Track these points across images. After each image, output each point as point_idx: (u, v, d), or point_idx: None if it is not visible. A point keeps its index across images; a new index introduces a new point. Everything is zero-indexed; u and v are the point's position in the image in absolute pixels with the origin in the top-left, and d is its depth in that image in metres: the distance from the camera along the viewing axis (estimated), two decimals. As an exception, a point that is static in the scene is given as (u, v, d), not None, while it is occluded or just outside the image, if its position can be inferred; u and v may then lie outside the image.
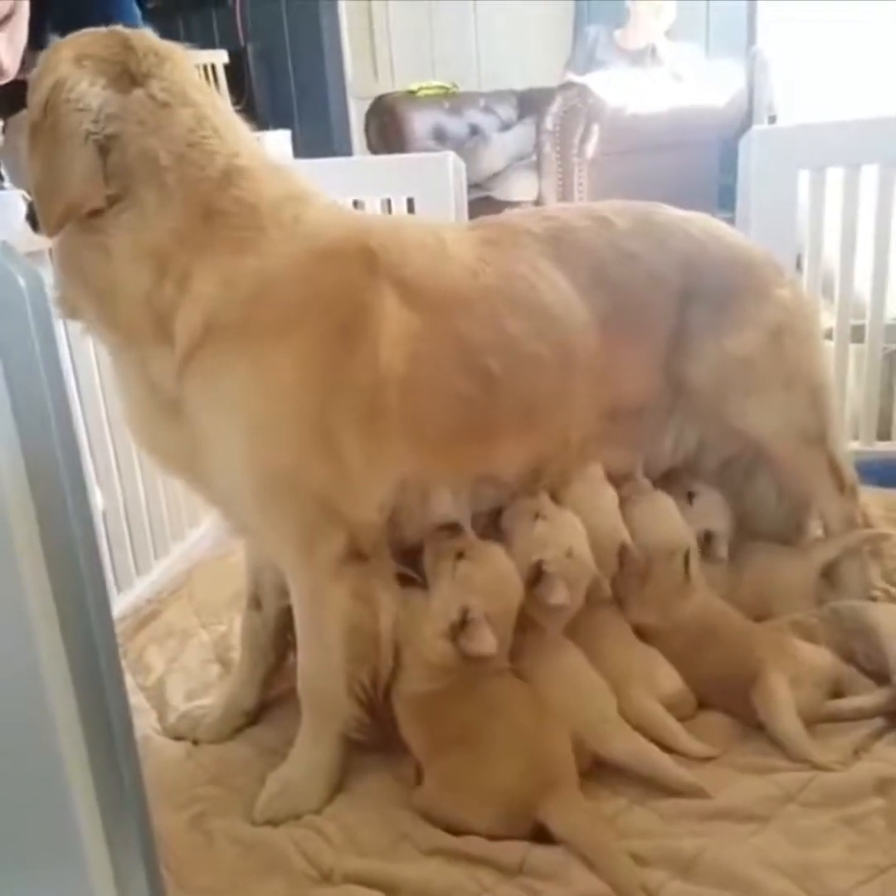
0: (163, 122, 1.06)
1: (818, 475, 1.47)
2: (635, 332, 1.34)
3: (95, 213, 1.05)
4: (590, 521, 1.30)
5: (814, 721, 1.22)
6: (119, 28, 1.10)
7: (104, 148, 1.03)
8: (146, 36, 1.10)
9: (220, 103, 1.13)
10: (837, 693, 1.27)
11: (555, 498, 1.32)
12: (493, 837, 1.09)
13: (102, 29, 1.10)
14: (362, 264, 1.16)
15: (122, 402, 1.22)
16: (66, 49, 1.05)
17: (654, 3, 4.12)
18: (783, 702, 1.19)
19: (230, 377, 1.09)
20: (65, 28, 1.10)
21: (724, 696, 1.26)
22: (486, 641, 1.15)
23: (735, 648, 1.27)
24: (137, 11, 1.86)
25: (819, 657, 1.26)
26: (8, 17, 1.47)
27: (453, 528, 1.25)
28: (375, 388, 1.14)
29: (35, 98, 1.04)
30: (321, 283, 1.12)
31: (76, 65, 1.03)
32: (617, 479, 1.38)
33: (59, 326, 1.52)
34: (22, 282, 0.67)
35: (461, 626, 1.16)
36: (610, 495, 1.35)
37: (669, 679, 1.26)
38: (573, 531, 1.28)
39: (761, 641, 1.28)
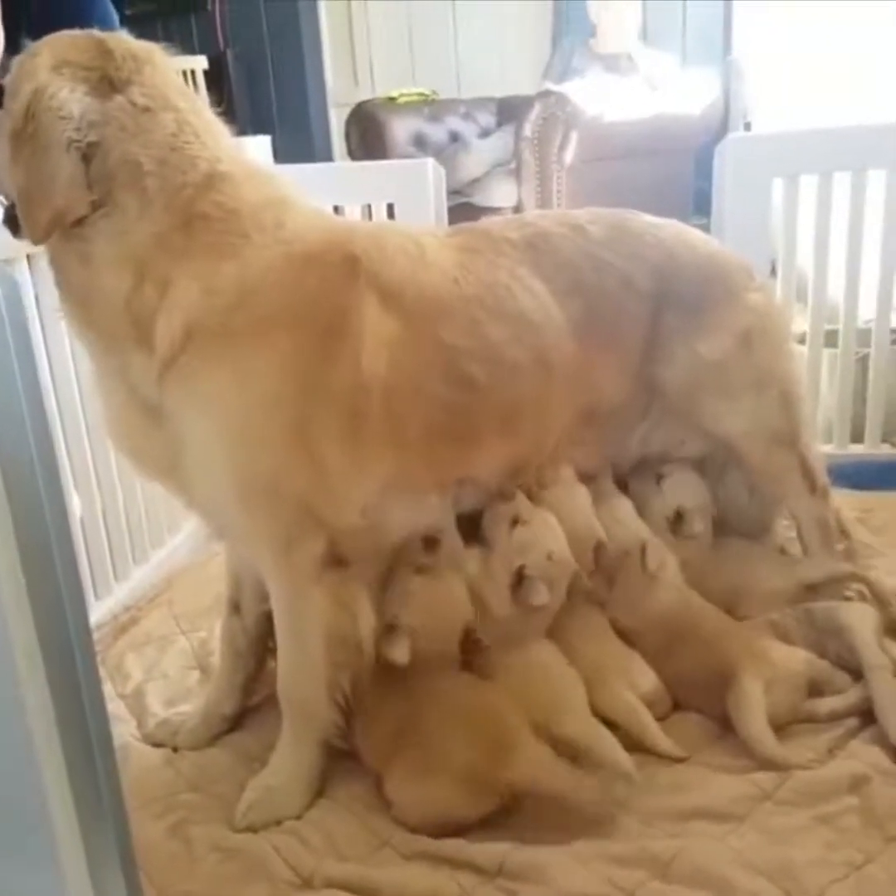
0: (144, 127, 1.06)
1: (790, 477, 1.50)
2: (609, 338, 1.37)
3: (78, 220, 1.05)
4: (567, 522, 1.32)
5: (790, 722, 1.23)
6: (95, 32, 1.10)
7: (86, 155, 1.03)
8: (123, 39, 1.10)
9: (201, 107, 1.14)
10: (815, 690, 1.27)
11: (531, 498, 1.34)
12: (469, 825, 1.11)
13: (78, 32, 1.09)
14: (344, 270, 1.16)
15: (103, 407, 1.22)
16: (44, 55, 1.04)
17: (616, 10, 4.14)
18: (755, 706, 1.20)
19: (211, 382, 1.10)
20: (40, 33, 1.10)
21: (699, 696, 1.28)
22: (400, 651, 1.19)
23: (711, 649, 1.28)
24: (115, 15, 1.86)
25: (794, 659, 1.27)
26: None
27: (430, 543, 1.27)
28: (356, 393, 1.15)
29: (15, 105, 1.03)
30: (303, 289, 1.13)
31: (55, 72, 1.03)
32: (582, 481, 1.41)
33: (36, 331, 1.51)
34: (-2, 288, 0.67)
35: (388, 632, 1.20)
36: (583, 495, 1.38)
37: (646, 677, 1.28)
38: (552, 533, 1.30)
39: (738, 643, 1.29)
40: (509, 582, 1.27)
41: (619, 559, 1.36)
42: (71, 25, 1.11)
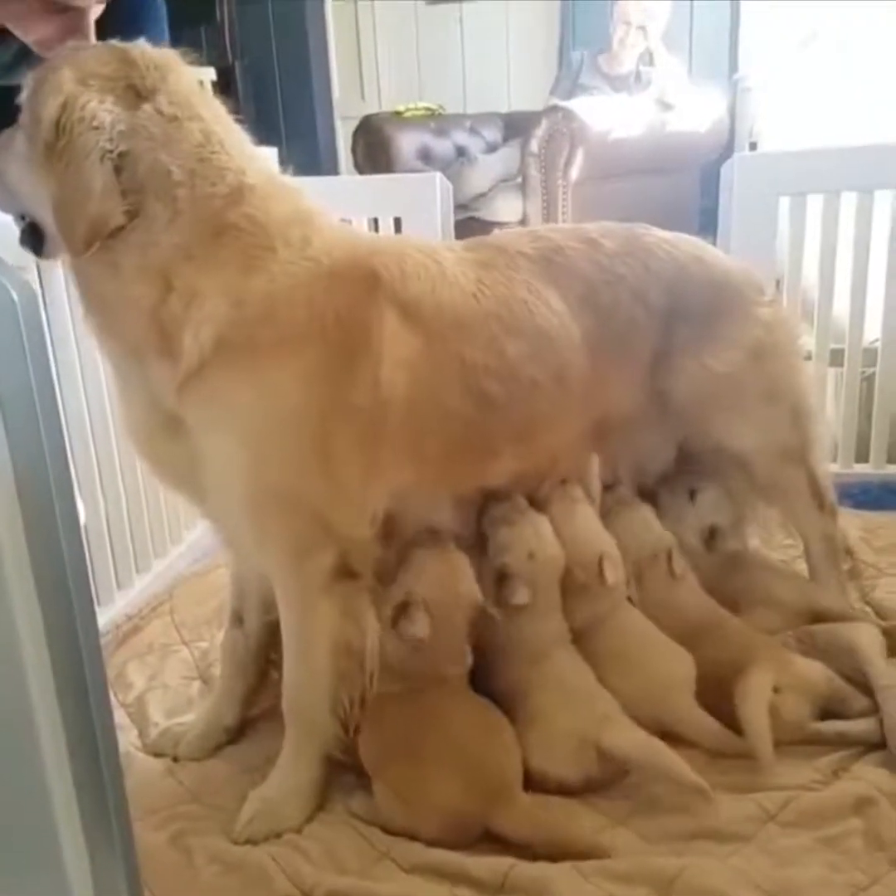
0: (172, 136, 1.06)
1: (799, 493, 1.50)
2: (622, 351, 1.37)
3: (113, 231, 1.05)
4: (566, 535, 1.33)
5: (796, 737, 1.23)
6: (114, 43, 1.11)
7: (118, 166, 1.03)
8: (143, 47, 1.10)
9: (223, 116, 1.14)
10: (834, 712, 1.27)
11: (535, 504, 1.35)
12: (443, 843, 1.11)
13: (97, 44, 1.10)
14: (365, 287, 1.17)
15: (125, 415, 1.22)
16: (66, 69, 1.04)
17: (634, 29, 4.17)
18: (760, 697, 1.19)
19: (232, 394, 1.10)
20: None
21: (711, 687, 1.25)
22: (420, 624, 1.19)
23: (731, 644, 1.29)
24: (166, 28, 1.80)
25: (814, 671, 1.27)
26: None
27: (435, 532, 1.28)
28: (375, 409, 1.16)
29: (43, 117, 1.02)
30: (326, 306, 1.13)
31: (81, 84, 1.03)
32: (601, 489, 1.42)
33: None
34: (15, 295, 0.67)
35: (403, 610, 1.20)
36: (584, 511, 1.38)
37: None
38: (536, 535, 1.31)
39: (758, 645, 1.30)
40: (493, 579, 1.29)
41: (647, 562, 1.38)
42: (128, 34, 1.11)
